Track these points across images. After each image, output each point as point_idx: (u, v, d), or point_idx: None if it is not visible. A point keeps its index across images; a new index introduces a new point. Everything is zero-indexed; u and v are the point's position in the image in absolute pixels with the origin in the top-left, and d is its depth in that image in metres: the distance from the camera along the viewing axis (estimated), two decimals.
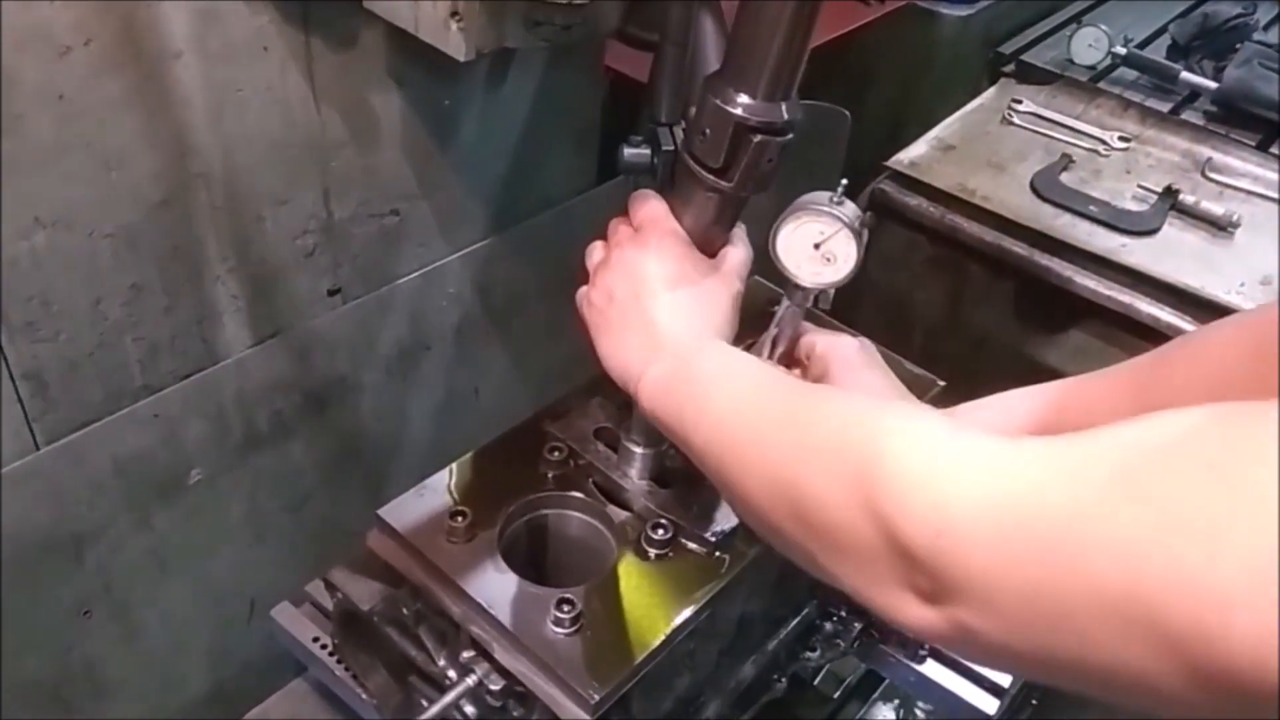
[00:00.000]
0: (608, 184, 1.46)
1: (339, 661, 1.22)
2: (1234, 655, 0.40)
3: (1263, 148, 1.80)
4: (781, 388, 0.74)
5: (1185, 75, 1.93)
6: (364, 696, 1.17)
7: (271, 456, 1.22)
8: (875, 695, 1.47)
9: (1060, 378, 1.04)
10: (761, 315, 1.00)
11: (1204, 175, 1.78)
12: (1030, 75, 1.98)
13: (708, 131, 0.86)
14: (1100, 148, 1.82)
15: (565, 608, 0.88)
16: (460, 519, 0.94)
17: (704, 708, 1.11)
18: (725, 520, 0.99)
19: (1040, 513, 0.48)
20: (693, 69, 1.10)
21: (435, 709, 0.91)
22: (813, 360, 0.97)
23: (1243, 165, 1.78)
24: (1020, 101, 1.90)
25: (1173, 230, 1.66)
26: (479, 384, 1.46)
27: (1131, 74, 1.99)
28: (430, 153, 1.19)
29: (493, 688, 0.92)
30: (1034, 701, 1.41)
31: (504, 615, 0.89)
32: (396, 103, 1.12)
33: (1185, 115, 1.90)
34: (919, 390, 1.15)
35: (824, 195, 0.90)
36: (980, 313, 1.74)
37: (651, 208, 0.93)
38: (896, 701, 1.52)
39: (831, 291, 0.94)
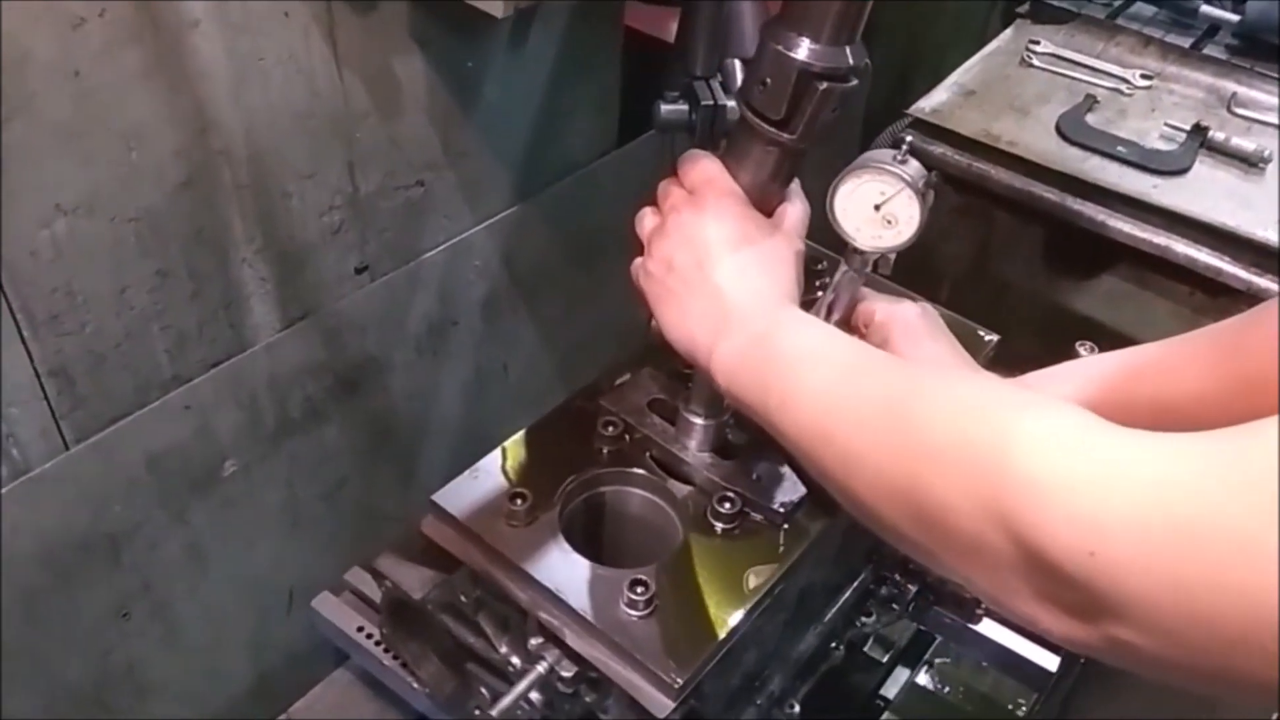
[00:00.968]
0: (629, 145, 1.42)
1: (387, 650, 1.19)
2: None
3: None
4: (882, 369, 0.69)
5: (1205, 8, 1.88)
6: (415, 685, 1.14)
7: (305, 443, 1.17)
8: (925, 656, 1.45)
9: (1092, 325, 1.01)
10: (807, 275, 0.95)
11: (1230, 111, 1.74)
12: (1046, 15, 1.93)
13: (768, 81, 0.81)
14: (1123, 87, 1.77)
15: (639, 589, 0.85)
16: (520, 501, 0.91)
17: (768, 681, 1.09)
18: (792, 490, 0.95)
19: (1214, 532, 0.43)
20: (727, 19, 1.05)
21: (509, 699, 0.87)
22: (872, 329, 0.92)
23: (1269, 99, 1.74)
24: (1038, 42, 1.85)
25: (1204, 168, 1.62)
26: (508, 359, 1.41)
27: (1149, 9, 1.94)
28: (454, 119, 1.14)
29: (564, 674, 0.88)
30: (1081, 660, 1.39)
31: (575, 599, 0.86)
32: (420, 66, 1.06)
33: (1207, 50, 1.85)
34: (973, 348, 1.12)
35: (887, 153, 0.85)
36: (1009, 261, 1.70)
37: (705, 167, 0.88)
38: (937, 662, 1.51)
39: (892, 256, 0.88)
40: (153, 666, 1.14)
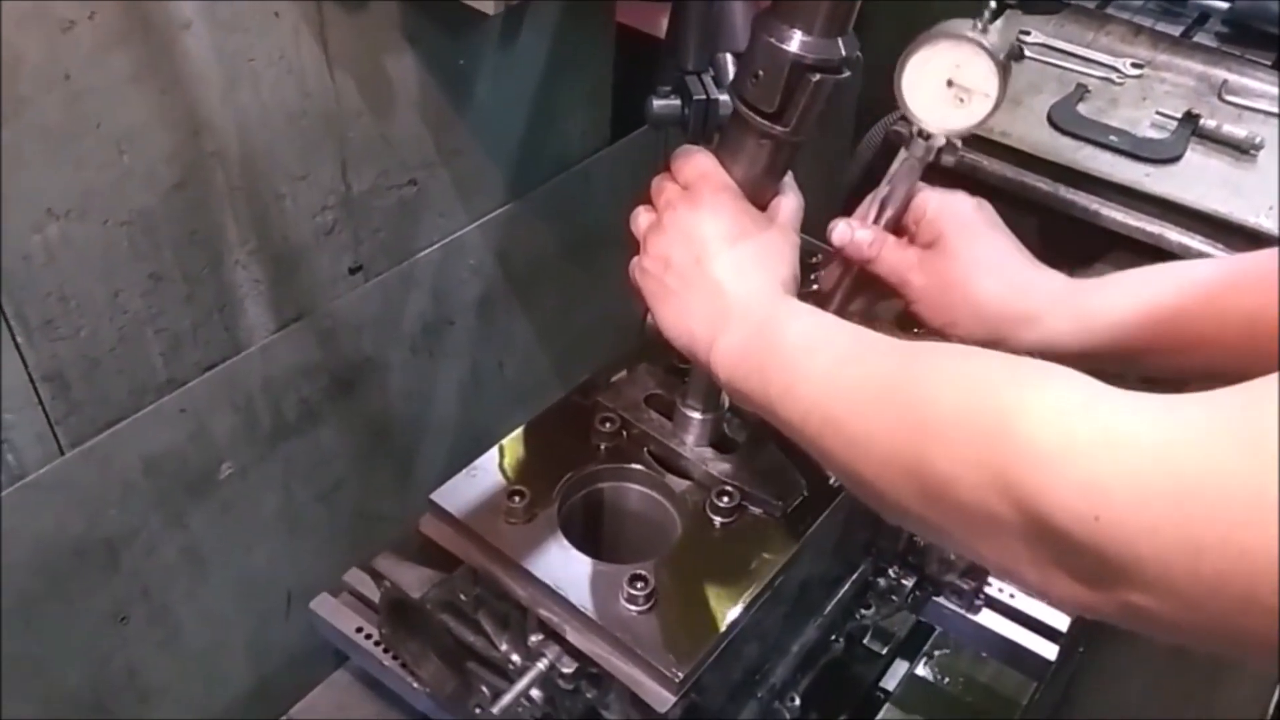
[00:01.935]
0: (622, 141, 1.42)
1: (386, 651, 1.19)
2: None
3: (1279, 67, 1.76)
4: (881, 352, 0.68)
5: None
6: (415, 685, 1.14)
7: (301, 445, 1.17)
8: (925, 648, 1.45)
9: None
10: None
11: (1221, 98, 1.74)
12: (1036, 6, 1.90)
13: (761, 74, 0.81)
14: (1114, 76, 1.78)
15: (639, 584, 0.85)
16: (518, 499, 0.91)
17: (769, 674, 1.09)
18: (790, 484, 0.95)
19: (1219, 492, 0.43)
20: (718, 13, 1.05)
21: (510, 696, 0.87)
22: (923, 226, 0.88)
23: (1260, 86, 1.74)
24: (1029, 33, 1.85)
25: (1195, 156, 1.62)
26: (503, 358, 1.41)
27: None
28: (446, 117, 1.14)
29: (565, 670, 0.88)
30: (1080, 650, 1.40)
31: (575, 596, 0.86)
32: (411, 65, 1.06)
33: (1197, 38, 1.86)
34: None
35: (965, 21, 0.77)
36: None
37: (699, 162, 0.87)
38: (936, 654, 1.51)
39: (959, 143, 0.81)
40: (152, 671, 1.14)
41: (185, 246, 0.96)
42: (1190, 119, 1.65)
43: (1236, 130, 1.63)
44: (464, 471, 0.95)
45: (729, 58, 1.02)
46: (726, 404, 0.98)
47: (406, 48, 1.04)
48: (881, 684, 1.41)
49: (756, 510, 0.95)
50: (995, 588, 1.32)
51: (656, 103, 1.06)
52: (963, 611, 1.29)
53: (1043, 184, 1.61)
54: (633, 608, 0.85)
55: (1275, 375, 0.44)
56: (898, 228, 0.90)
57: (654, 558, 0.90)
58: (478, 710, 1.05)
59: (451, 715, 1.12)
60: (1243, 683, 1.07)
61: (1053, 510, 0.49)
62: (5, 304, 0.85)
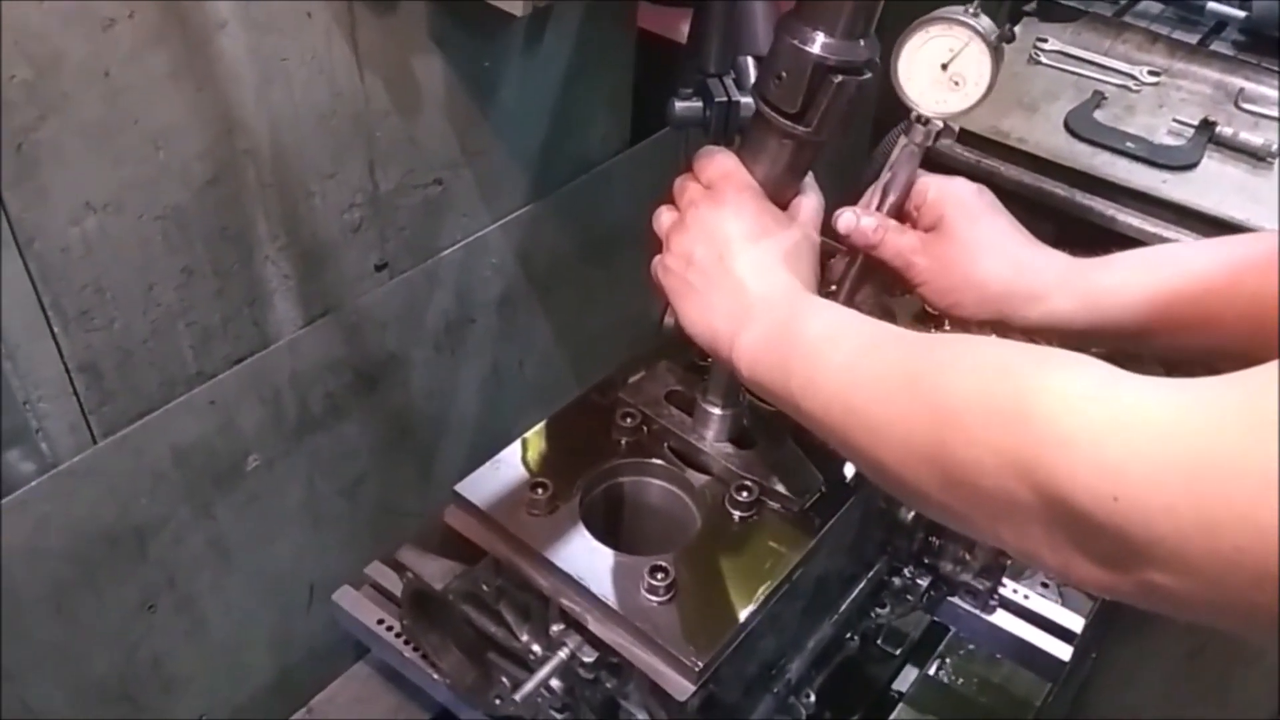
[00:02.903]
0: (643, 143, 1.43)
1: (407, 643, 1.21)
2: None
3: None
4: (901, 343, 0.69)
5: (1212, 5, 1.89)
6: (436, 677, 1.16)
7: (326, 439, 1.19)
8: (939, 648, 1.46)
9: None
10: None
11: (1238, 106, 1.74)
12: (1053, 13, 1.94)
13: (784, 75, 0.82)
14: (1130, 83, 1.79)
15: (659, 575, 0.86)
16: (541, 491, 0.92)
17: (785, 670, 1.10)
18: (809, 479, 0.97)
19: (1235, 469, 0.44)
20: (739, 17, 1.07)
21: (531, 684, 0.89)
22: (925, 209, 0.89)
23: (1276, 94, 1.75)
24: (1045, 40, 1.86)
25: (1212, 163, 1.63)
26: (524, 356, 1.43)
27: (1156, 6, 1.95)
28: (471, 118, 1.16)
29: (585, 660, 0.90)
30: (1093, 655, 1.40)
31: (596, 586, 0.87)
32: (438, 66, 1.08)
33: (1214, 46, 1.86)
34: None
35: (958, 7, 0.79)
36: None
37: (721, 162, 0.89)
38: (951, 654, 1.51)
39: (956, 128, 0.83)
40: (178, 660, 1.15)
41: (217, 241, 0.98)
42: (1207, 126, 1.66)
43: (1253, 137, 1.64)
44: (488, 464, 0.97)
45: (750, 60, 1.04)
46: (746, 400, 0.99)
47: (434, 49, 1.06)
48: (896, 684, 1.42)
49: (775, 505, 0.96)
50: (1010, 589, 1.33)
51: (678, 104, 1.08)
52: (977, 612, 1.30)
53: (1059, 189, 1.61)
54: (653, 598, 0.86)
55: None
56: (900, 214, 0.91)
57: (673, 551, 0.91)
58: (498, 701, 1.06)
59: (471, 707, 1.14)
60: (1255, 682, 1.08)
61: (1073, 492, 0.50)
62: (43, 294, 0.87)
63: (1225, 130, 1.65)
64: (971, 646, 1.47)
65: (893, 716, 1.39)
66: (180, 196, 0.93)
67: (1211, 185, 1.58)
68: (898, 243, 0.89)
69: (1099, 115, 1.70)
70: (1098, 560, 0.51)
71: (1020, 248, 0.88)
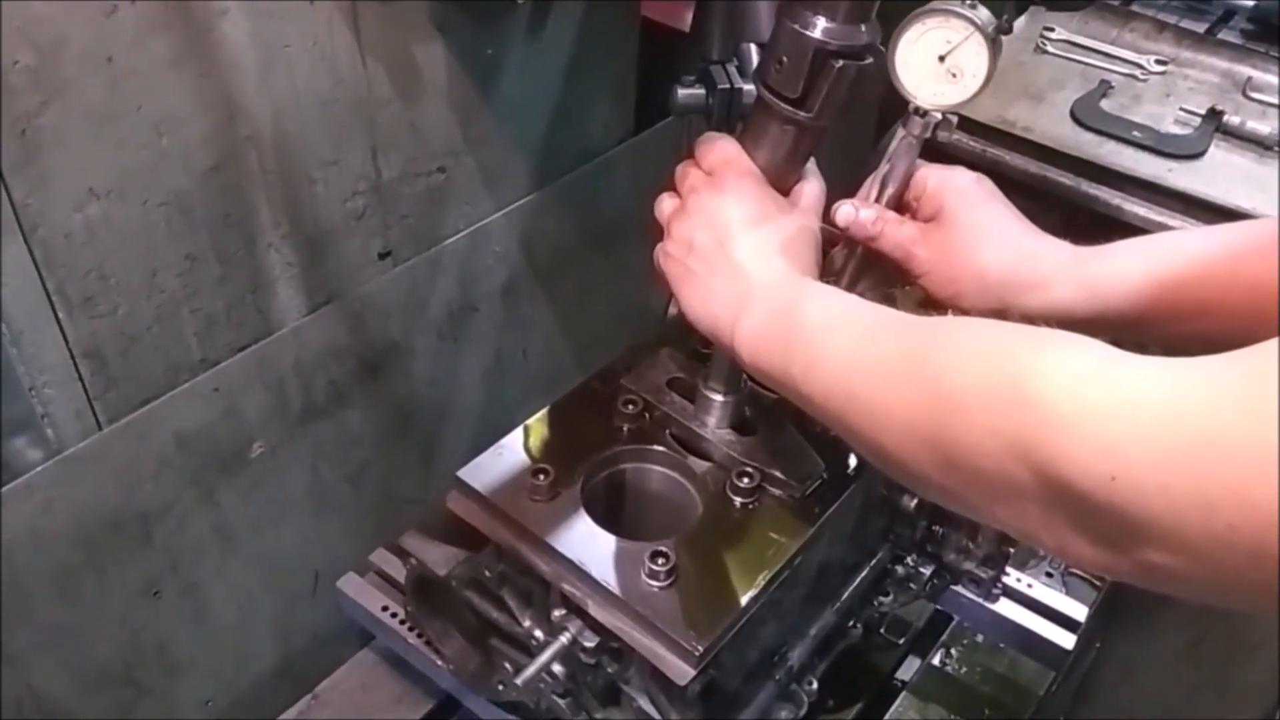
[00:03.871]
0: (647, 132, 1.43)
1: (411, 629, 1.21)
2: None
3: None
4: (900, 327, 0.69)
5: None
6: (439, 663, 1.16)
7: (330, 426, 1.19)
8: (942, 637, 1.46)
9: None
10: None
11: (1245, 95, 1.74)
12: (1060, 2, 1.93)
13: (784, 60, 0.82)
14: (1138, 72, 1.78)
15: (660, 561, 0.86)
16: (542, 476, 0.92)
17: (787, 656, 1.10)
18: (810, 465, 0.97)
19: (1231, 448, 0.44)
20: (742, 4, 1.07)
21: (532, 668, 0.89)
22: (924, 200, 0.89)
23: None
24: (1052, 29, 1.85)
25: (1219, 152, 1.62)
26: (526, 345, 1.43)
27: None
28: (474, 105, 1.16)
29: (586, 645, 0.90)
30: (1096, 645, 1.40)
31: (598, 571, 0.87)
32: (440, 53, 1.08)
33: (1222, 35, 1.85)
34: None
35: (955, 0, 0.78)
36: None
37: (723, 148, 0.89)
38: (954, 643, 1.51)
39: (954, 120, 0.83)
40: (182, 645, 1.16)
41: (220, 228, 0.98)
42: (1214, 115, 1.65)
43: (1260, 126, 1.63)
44: (490, 450, 0.97)
45: (753, 48, 1.03)
46: (747, 387, 0.99)
47: (436, 37, 1.07)
48: (899, 672, 1.42)
49: (776, 492, 0.96)
50: (1013, 577, 1.33)
51: (681, 92, 1.07)
52: (980, 601, 1.30)
53: (1065, 179, 1.61)
54: (654, 583, 0.87)
55: (1279, 339, 0.45)
56: (899, 205, 0.90)
57: (675, 537, 0.91)
58: (501, 687, 1.07)
59: (475, 692, 1.14)
60: (1257, 671, 1.08)
61: (1071, 473, 0.50)
62: (47, 280, 0.88)
63: (1232, 119, 1.64)
64: (976, 636, 1.46)
65: (896, 705, 1.39)
66: (183, 183, 0.93)
67: (1218, 174, 1.57)
68: (897, 234, 0.89)
69: (1105, 104, 1.69)
70: (1096, 540, 0.51)
71: (1021, 236, 0.88)
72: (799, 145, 0.88)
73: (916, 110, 0.84)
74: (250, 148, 0.97)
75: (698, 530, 0.93)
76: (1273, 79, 1.75)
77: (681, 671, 0.84)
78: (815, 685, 1.15)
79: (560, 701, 1.02)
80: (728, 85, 1.05)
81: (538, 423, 1.01)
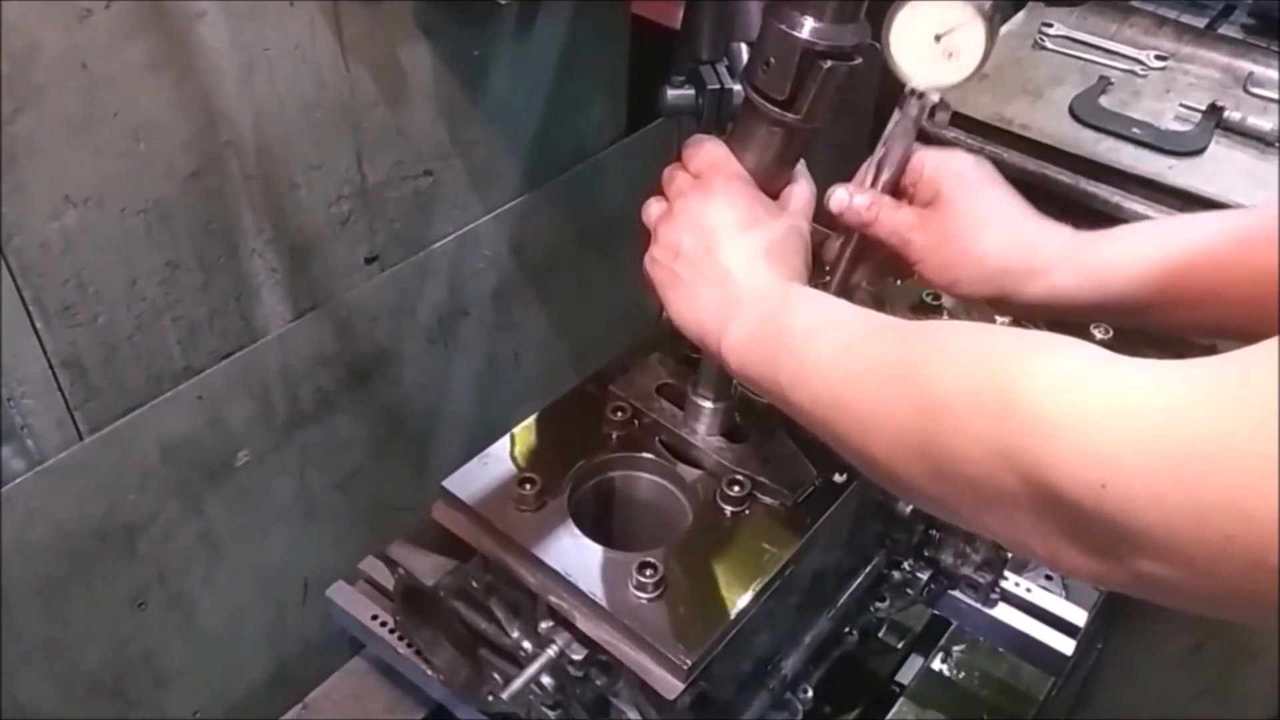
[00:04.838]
0: (638, 132, 1.42)
1: (401, 638, 1.20)
2: None
3: None
4: (888, 333, 0.68)
5: None
6: (429, 672, 1.15)
7: (318, 433, 1.18)
8: (941, 642, 1.44)
9: None
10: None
11: (1246, 90, 1.72)
12: None
13: (772, 61, 0.80)
14: (1137, 68, 1.76)
15: (648, 572, 0.85)
16: (529, 486, 0.91)
17: (781, 665, 1.08)
18: (801, 473, 0.95)
19: (1222, 456, 0.43)
20: (734, 4, 1.05)
21: (519, 682, 0.88)
22: (921, 184, 0.86)
23: None
24: (1051, 25, 1.83)
25: (1219, 148, 1.61)
26: (518, 348, 1.42)
27: None
28: (461, 108, 1.14)
29: (574, 657, 0.88)
30: (1098, 647, 1.39)
31: (584, 583, 0.86)
32: (426, 56, 1.07)
33: (1222, 30, 1.84)
34: None
35: None
36: None
37: (710, 151, 0.87)
38: (953, 648, 1.50)
39: (951, 105, 0.82)
40: (170, 656, 1.15)
41: (201, 235, 0.97)
42: (1214, 111, 1.63)
43: (1261, 122, 1.61)
44: (476, 459, 0.95)
45: (743, 47, 1.02)
46: (738, 393, 0.98)
47: (421, 39, 1.05)
48: (897, 678, 1.40)
49: (767, 500, 0.94)
50: (1012, 582, 1.31)
51: (670, 92, 1.06)
52: (979, 605, 1.29)
53: (1064, 176, 1.59)
54: (642, 595, 0.85)
55: (1276, 340, 0.44)
56: (896, 190, 0.88)
57: (664, 546, 0.90)
58: (490, 698, 1.06)
59: (466, 703, 1.13)
60: (1257, 678, 1.06)
61: (1060, 480, 0.49)
62: (24, 290, 0.86)
63: (1233, 115, 1.62)
64: (974, 640, 1.45)
65: (894, 710, 1.37)
66: (162, 189, 0.92)
67: (1219, 170, 1.55)
68: (893, 220, 0.86)
69: (1105, 101, 1.67)
70: (1088, 549, 0.50)
71: (1022, 220, 0.85)
72: (787, 147, 0.86)
73: (912, 92, 0.81)
74: (231, 153, 0.95)
75: (687, 539, 0.92)
76: (1273, 74, 1.73)
77: (670, 686, 0.82)
78: (810, 693, 1.13)
79: (550, 713, 1.00)
80: (717, 86, 1.04)
81: (524, 431, 1.00)
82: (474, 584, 0.98)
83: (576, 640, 0.88)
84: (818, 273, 0.91)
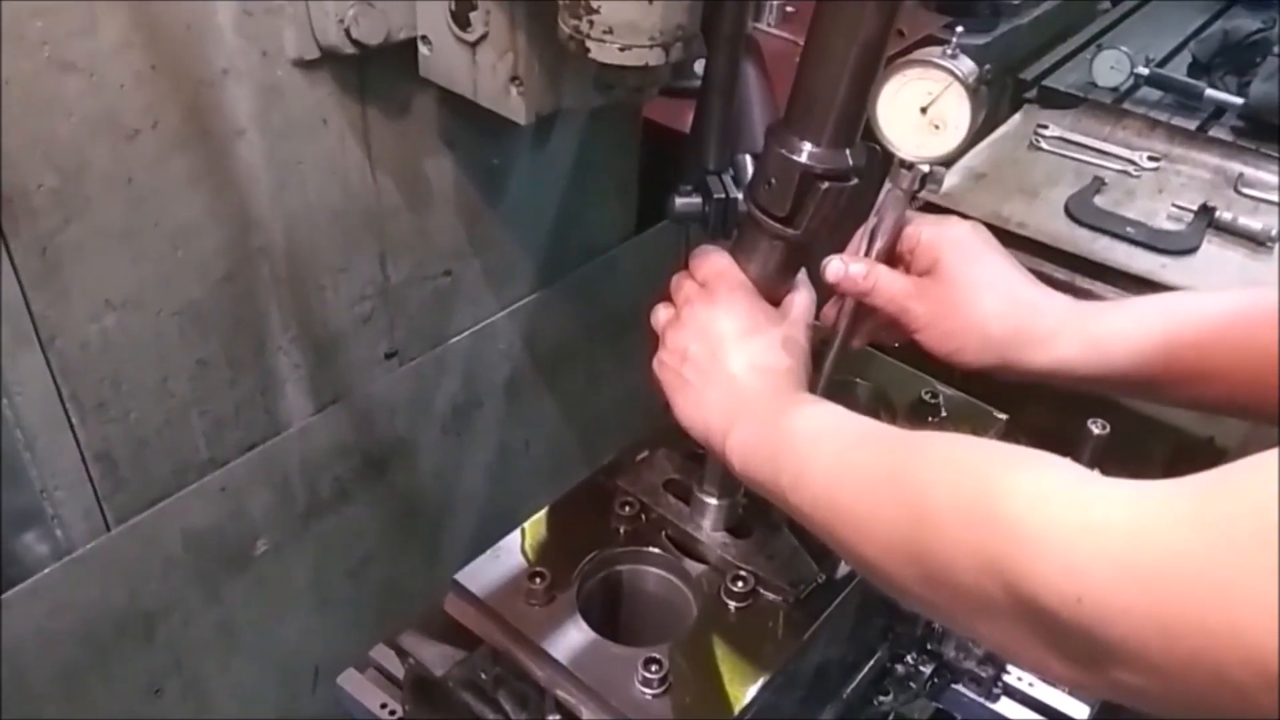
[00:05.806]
0: (648, 231, 1.47)
1: None
2: None
3: None
4: (884, 441, 0.71)
5: (1210, 92, 1.93)
6: None
7: (333, 522, 1.21)
8: None
9: (1105, 402, 0.94)
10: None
11: (1237, 191, 1.77)
12: (1054, 100, 1.99)
13: (773, 181, 0.86)
14: (1130, 169, 1.82)
15: (653, 667, 0.87)
16: (539, 580, 0.93)
17: None
18: (804, 569, 0.98)
19: (1187, 575, 0.46)
20: (737, 117, 1.11)
21: None
22: (918, 252, 0.86)
23: (1275, 179, 1.78)
24: (1046, 126, 1.90)
25: (1212, 248, 1.65)
26: (530, 437, 1.45)
27: (1155, 93, 1.99)
28: (480, 212, 1.20)
29: None
30: None
31: (591, 677, 0.88)
32: (448, 165, 1.13)
33: (1213, 132, 1.90)
34: (979, 427, 1.14)
35: (935, 49, 0.78)
36: None
37: (715, 261, 0.92)
38: None
39: (942, 173, 0.81)
40: None
41: (231, 334, 1.02)
42: (1206, 211, 1.68)
43: (1252, 222, 1.66)
44: (488, 553, 0.98)
45: (748, 158, 1.07)
46: (742, 490, 1.01)
47: (444, 150, 1.11)
48: None
49: (771, 595, 0.97)
50: (1014, 675, 1.32)
51: (679, 200, 1.11)
52: (982, 700, 1.29)
53: (1060, 274, 1.63)
54: (647, 691, 0.87)
55: (1244, 461, 0.47)
56: (890, 259, 0.88)
57: (670, 640, 0.92)
58: None
59: None
60: None
61: (1039, 592, 0.51)
62: (62, 388, 0.91)
63: (1225, 215, 1.67)
64: None
65: None
66: (196, 292, 0.97)
67: (1211, 270, 1.59)
68: (891, 287, 0.87)
69: (1099, 200, 1.73)
70: (1068, 659, 0.52)
71: (1022, 287, 0.86)
72: (788, 259, 0.91)
73: (902, 163, 0.83)
74: (263, 258, 1.01)
75: (693, 635, 0.94)
76: (1264, 175, 1.79)
77: None
78: None
79: None
80: (723, 195, 1.09)
81: (535, 524, 1.03)
82: (483, 675, 1.00)
83: None
84: (816, 335, 0.91)
